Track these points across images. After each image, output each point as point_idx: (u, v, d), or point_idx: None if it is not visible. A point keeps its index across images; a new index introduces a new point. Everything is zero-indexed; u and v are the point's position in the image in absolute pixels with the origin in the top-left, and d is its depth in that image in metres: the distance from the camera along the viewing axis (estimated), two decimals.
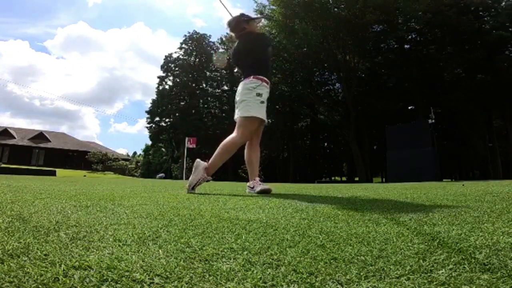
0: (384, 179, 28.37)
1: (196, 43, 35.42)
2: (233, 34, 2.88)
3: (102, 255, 0.61)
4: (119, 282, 0.49)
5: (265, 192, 2.55)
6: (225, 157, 2.59)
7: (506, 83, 20.39)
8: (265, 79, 2.63)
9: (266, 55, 2.79)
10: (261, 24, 2.82)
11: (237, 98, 2.65)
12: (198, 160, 2.63)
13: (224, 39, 32.92)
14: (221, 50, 34.39)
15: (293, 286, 0.49)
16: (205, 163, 2.59)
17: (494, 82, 20.79)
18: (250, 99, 2.55)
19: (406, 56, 24.48)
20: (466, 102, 21.71)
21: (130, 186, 3.82)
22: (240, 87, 2.66)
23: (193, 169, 2.56)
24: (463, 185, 3.51)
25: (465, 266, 0.57)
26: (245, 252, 0.67)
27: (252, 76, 2.59)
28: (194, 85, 34.56)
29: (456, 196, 1.94)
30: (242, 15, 2.84)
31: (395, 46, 25.51)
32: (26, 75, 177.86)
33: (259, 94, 2.56)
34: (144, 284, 0.48)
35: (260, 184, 2.61)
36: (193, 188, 2.50)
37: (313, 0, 20.13)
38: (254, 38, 2.76)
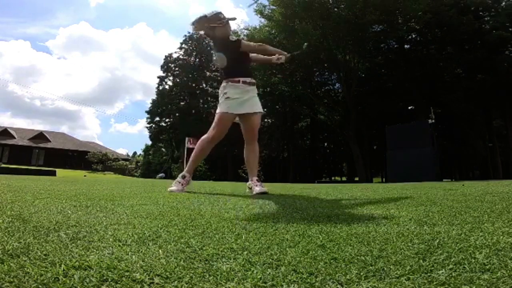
0: (384, 179, 28.36)
1: (196, 43, 35.41)
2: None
3: (102, 255, 0.61)
4: (119, 282, 0.49)
5: (262, 194, 2.56)
6: (200, 154, 2.71)
7: (506, 83, 20.38)
8: (232, 79, 2.72)
9: (234, 56, 2.78)
10: (230, 23, 2.79)
11: None
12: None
13: None
14: None
15: (293, 286, 0.49)
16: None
17: (494, 82, 20.78)
18: (219, 100, 2.77)
19: (406, 56, 24.47)
20: (466, 102, 21.70)
21: (130, 186, 3.82)
22: None
23: None
24: (463, 185, 3.51)
25: (465, 266, 0.57)
26: (245, 252, 0.67)
27: (223, 82, 2.79)
28: (194, 85, 34.54)
29: (456, 196, 1.94)
30: (205, 19, 2.71)
31: (395, 46, 25.50)
32: (27, 75, 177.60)
33: (225, 93, 2.72)
34: (144, 284, 0.48)
35: (257, 186, 2.62)
36: (172, 186, 2.60)
37: (313, 0, 20.13)
38: (218, 46, 2.81)
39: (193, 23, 2.75)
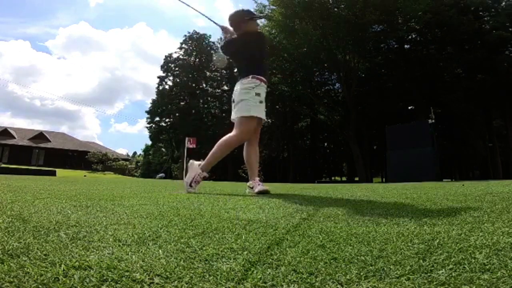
0: (384, 179, 28.37)
1: (196, 43, 35.43)
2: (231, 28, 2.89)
3: (102, 255, 0.61)
4: (119, 282, 0.49)
5: (264, 193, 2.55)
6: (222, 155, 2.62)
7: (506, 83, 20.40)
8: (264, 79, 2.65)
9: (263, 54, 2.85)
10: (260, 22, 2.84)
11: (235, 97, 2.65)
12: (191, 160, 2.66)
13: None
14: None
15: (293, 286, 0.49)
16: (199, 161, 2.62)
17: (494, 82, 20.80)
18: (250, 98, 2.55)
19: (406, 56, 24.49)
20: (466, 102, 21.72)
21: (130, 186, 3.82)
22: (238, 87, 2.64)
23: (188, 169, 2.60)
24: (463, 185, 3.51)
25: (465, 266, 0.57)
26: (245, 252, 0.67)
27: (250, 76, 2.60)
28: (194, 85, 34.54)
29: (456, 196, 1.94)
30: (243, 13, 2.83)
31: (395, 46, 25.52)
32: (27, 75, 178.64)
33: (258, 94, 2.57)
34: (144, 284, 0.48)
35: (259, 185, 2.60)
36: (190, 185, 2.51)
37: (313, 0, 20.13)
38: (252, 39, 2.77)
39: (232, 15, 2.76)
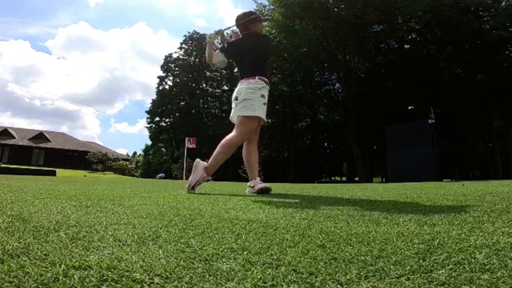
0: (384, 179, 28.37)
1: (196, 43, 35.44)
2: (237, 29, 2.93)
3: (102, 255, 0.61)
4: (119, 282, 0.49)
5: (264, 191, 2.55)
6: (225, 157, 2.60)
7: (506, 83, 20.41)
8: (267, 81, 2.67)
9: (267, 56, 2.93)
10: (264, 24, 2.93)
11: (239, 96, 2.61)
12: (197, 159, 2.63)
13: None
14: None
15: (293, 286, 0.49)
16: (205, 162, 2.59)
17: (494, 82, 20.81)
18: (255, 99, 2.54)
19: (406, 56, 24.49)
20: (466, 102, 21.73)
21: (130, 186, 3.82)
22: (243, 85, 2.60)
23: (193, 169, 2.56)
24: (463, 185, 3.51)
25: (465, 266, 0.57)
26: (245, 252, 0.67)
27: (257, 77, 2.60)
28: (194, 85, 34.56)
29: (456, 196, 1.94)
30: (251, 14, 2.91)
31: (395, 46, 25.53)
32: (26, 75, 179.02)
33: (263, 96, 2.58)
34: (144, 284, 0.48)
35: (260, 183, 2.60)
36: (192, 188, 2.50)
37: (313, 0, 20.13)
38: (259, 40, 2.83)
39: (240, 16, 2.81)
